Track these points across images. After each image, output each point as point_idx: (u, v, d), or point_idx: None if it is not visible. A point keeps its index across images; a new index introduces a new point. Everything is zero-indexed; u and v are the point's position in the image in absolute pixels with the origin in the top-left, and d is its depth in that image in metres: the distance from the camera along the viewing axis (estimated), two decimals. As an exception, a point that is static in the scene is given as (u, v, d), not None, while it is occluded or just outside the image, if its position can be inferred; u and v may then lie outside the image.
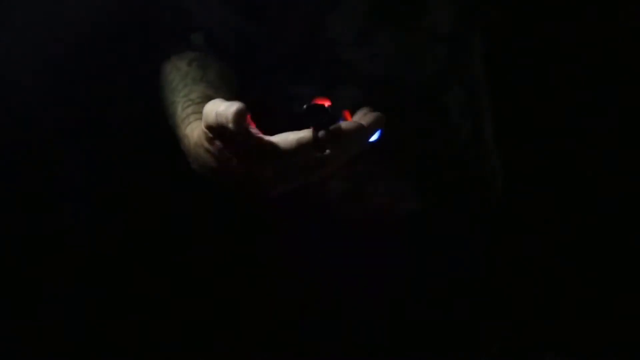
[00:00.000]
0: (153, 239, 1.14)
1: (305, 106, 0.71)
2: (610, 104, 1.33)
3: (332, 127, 0.70)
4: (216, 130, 0.71)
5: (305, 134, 0.70)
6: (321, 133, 0.70)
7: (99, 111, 1.10)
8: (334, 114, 0.71)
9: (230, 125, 0.68)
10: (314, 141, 0.70)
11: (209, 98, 0.83)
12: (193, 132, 0.79)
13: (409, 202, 1.01)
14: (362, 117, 0.75)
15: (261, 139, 0.70)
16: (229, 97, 0.82)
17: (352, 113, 0.78)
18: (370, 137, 0.74)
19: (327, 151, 0.70)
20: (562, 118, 1.33)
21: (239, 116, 0.67)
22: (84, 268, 1.13)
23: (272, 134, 0.72)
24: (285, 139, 0.70)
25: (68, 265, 1.12)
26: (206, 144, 0.74)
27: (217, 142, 0.72)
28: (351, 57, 0.96)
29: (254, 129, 0.72)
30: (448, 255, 1.04)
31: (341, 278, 1.02)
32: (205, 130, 0.72)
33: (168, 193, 1.12)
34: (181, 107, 0.85)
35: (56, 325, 1.11)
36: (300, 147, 0.70)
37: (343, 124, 0.70)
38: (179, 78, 0.91)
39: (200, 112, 0.79)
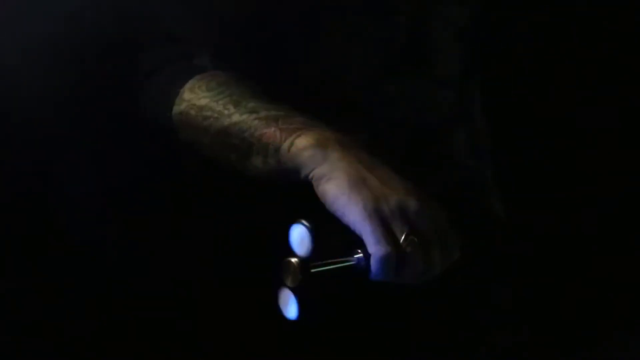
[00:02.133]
0: (153, 239, 1.14)
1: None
2: (610, 104, 1.33)
3: None
4: None
5: None
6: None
7: (99, 112, 1.10)
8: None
9: None
10: None
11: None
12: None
13: None
14: None
15: None
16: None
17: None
18: None
19: None
20: (562, 118, 1.33)
21: None
22: (84, 268, 1.13)
23: None
24: None
25: (68, 265, 1.12)
26: None
27: None
28: (364, 102, 0.96)
29: None
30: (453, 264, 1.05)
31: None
32: None
33: (169, 193, 1.12)
34: (282, 121, 0.85)
35: (56, 325, 1.11)
36: None
37: None
38: (229, 100, 0.90)
39: (297, 123, 0.84)
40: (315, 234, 0.75)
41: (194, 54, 0.96)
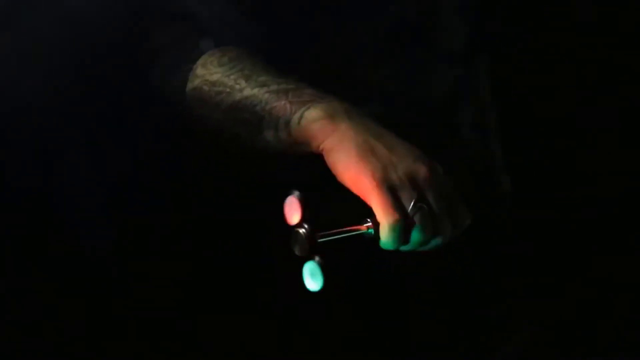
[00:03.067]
0: (153, 240, 1.14)
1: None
2: (610, 104, 1.33)
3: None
4: None
5: None
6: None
7: (100, 112, 1.10)
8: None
9: None
10: None
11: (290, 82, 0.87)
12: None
13: None
14: None
15: None
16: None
17: None
18: None
19: None
20: (562, 118, 1.33)
21: None
22: (84, 268, 1.13)
23: None
24: None
25: (68, 265, 1.12)
26: None
27: None
28: (370, 77, 0.97)
29: None
30: (453, 264, 1.05)
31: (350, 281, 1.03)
32: None
33: (169, 193, 1.12)
34: (292, 94, 0.86)
35: (56, 325, 1.11)
36: None
37: None
38: (240, 74, 0.90)
39: (307, 96, 0.84)
40: (304, 200, 0.75)
41: (202, 32, 0.97)
